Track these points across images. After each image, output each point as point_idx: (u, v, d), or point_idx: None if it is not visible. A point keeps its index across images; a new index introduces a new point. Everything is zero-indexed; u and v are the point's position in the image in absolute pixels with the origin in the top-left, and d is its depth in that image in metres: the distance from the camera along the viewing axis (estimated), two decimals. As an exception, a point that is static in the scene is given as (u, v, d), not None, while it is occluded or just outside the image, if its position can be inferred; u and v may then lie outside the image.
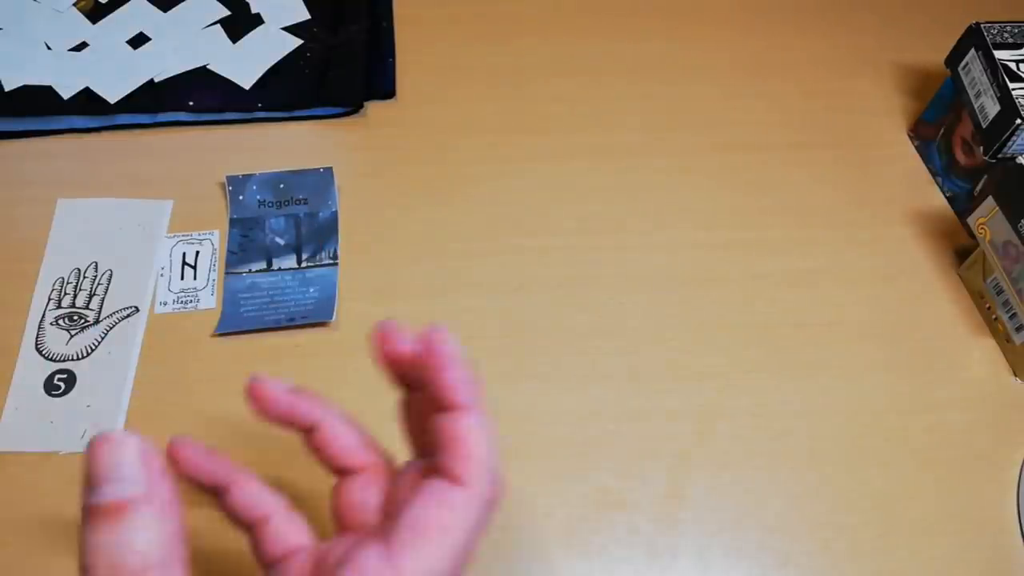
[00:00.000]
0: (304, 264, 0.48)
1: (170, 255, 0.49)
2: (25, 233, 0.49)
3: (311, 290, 0.48)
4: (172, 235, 0.50)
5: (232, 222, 0.50)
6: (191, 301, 0.47)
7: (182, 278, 0.48)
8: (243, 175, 0.50)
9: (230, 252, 0.49)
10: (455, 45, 0.60)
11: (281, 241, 0.49)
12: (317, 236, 0.50)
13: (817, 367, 0.47)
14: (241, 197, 0.50)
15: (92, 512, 0.23)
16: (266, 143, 0.54)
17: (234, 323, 0.46)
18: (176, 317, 0.47)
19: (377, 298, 0.48)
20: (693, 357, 0.47)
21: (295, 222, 0.50)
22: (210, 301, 0.47)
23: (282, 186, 0.50)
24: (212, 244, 0.49)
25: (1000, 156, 0.49)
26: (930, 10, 0.63)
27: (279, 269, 0.48)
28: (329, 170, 0.51)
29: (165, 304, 0.47)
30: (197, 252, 0.49)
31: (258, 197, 0.50)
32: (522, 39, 0.61)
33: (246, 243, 0.49)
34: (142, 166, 0.53)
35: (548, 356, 0.46)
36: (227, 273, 0.48)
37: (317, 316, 0.46)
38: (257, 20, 0.59)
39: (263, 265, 0.48)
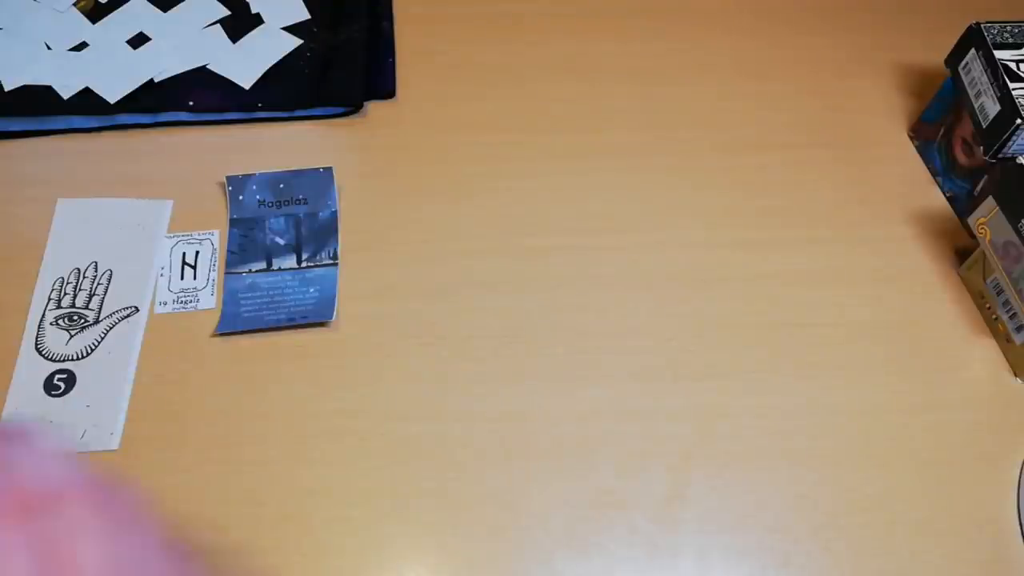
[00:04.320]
0: (304, 264, 0.48)
1: (170, 255, 0.49)
2: (25, 233, 0.49)
3: (311, 290, 0.48)
4: (172, 235, 0.50)
5: (232, 222, 0.50)
6: (191, 301, 0.47)
7: (182, 278, 0.48)
8: (243, 175, 0.50)
9: (230, 252, 0.49)
10: (455, 45, 0.60)
11: (281, 241, 0.49)
12: (317, 236, 0.50)
13: (817, 367, 0.47)
14: (241, 197, 0.50)
15: None
16: (266, 143, 0.54)
17: (234, 323, 0.46)
18: (176, 317, 0.47)
19: (377, 298, 0.48)
20: (693, 357, 0.47)
21: (295, 222, 0.50)
22: (210, 301, 0.47)
23: (282, 186, 0.50)
24: (212, 244, 0.49)
25: (1000, 156, 0.49)
26: (930, 10, 0.63)
27: (279, 269, 0.48)
28: (329, 170, 0.51)
29: (165, 304, 0.47)
30: (197, 252, 0.49)
31: (258, 197, 0.50)
32: (523, 39, 0.61)
33: (246, 243, 0.49)
34: (142, 166, 0.53)
35: (548, 356, 0.46)
36: (227, 273, 0.48)
37: (317, 316, 0.46)
38: (257, 20, 0.59)
39: (263, 265, 0.48)
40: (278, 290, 0.48)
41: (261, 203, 0.50)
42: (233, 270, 0.48)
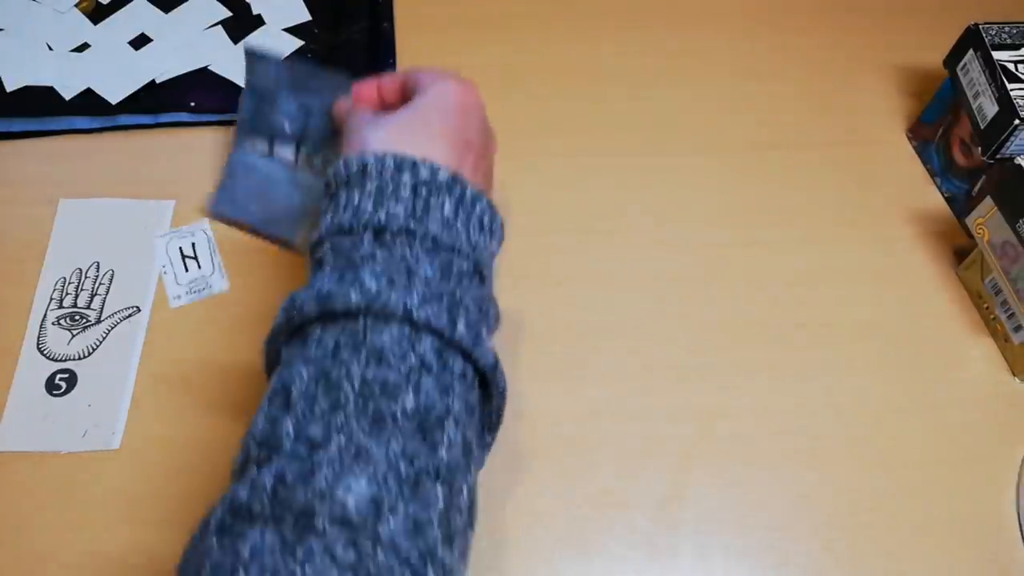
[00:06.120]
0: (299, 162, 0.48)
1: (167, 252, 0.49)
2: (27, 233, 0.49)
3: (295, 196, 0.48)
4: (163, 234, 0.49)
5: (248, 86, 0.48)
6: (204, 289, 0.47)
7: (186, 271, 0.48)
8: (261, 52, 0.48)
9: (241, 119, 0.49)
10: (455, 45, 0.60)
11: (287, 128, 0.48)
12: (319, 136, 0.48)
13: (817, 367, 0.47)
14: (257, 66, 0.48)
15: None
16: (267, 144, 0.54)
17: (229, 201, 0.48)
18: (177, 314, 0.47)
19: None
20: (693, 356, 0.47)
21: (306, 111, 0.48)
22: (221, 284, 0.47)
23: (297, 76, 0.48)
24: (205, 233, 0.49)
25: (998, 156, 0.49)
26: (929, 11, 0.64)
27: (277, 157, 0.49)
28: (349, 78, 0.47)
29: (179, 298, 0.47)
30: (193, 244, 0.49)
31: (273, 74, 0.48)
32: (523, 40, 0.61)
33: (258, 113, 0.48)
34: (143, 167, 0.53)
35: (547, 355, 0.46)
36: (235, 144, 0.49)
37: (282, 232, 0.47)
38: (258, 21, 0.59)
39: (266, 147, 0.48)
40: (269, 183, 0.48)
41: (277, 80, 0.48)
42: (241, 140, 0.49)
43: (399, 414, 0.29)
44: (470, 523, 0.31)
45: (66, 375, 0.44)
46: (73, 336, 0.45)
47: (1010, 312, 0.47)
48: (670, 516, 0.42)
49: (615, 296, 0.49)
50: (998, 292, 0.47)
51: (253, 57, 0.49)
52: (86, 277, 0.48)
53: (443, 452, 0.30)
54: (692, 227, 0.52)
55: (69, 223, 0.50)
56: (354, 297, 0.31)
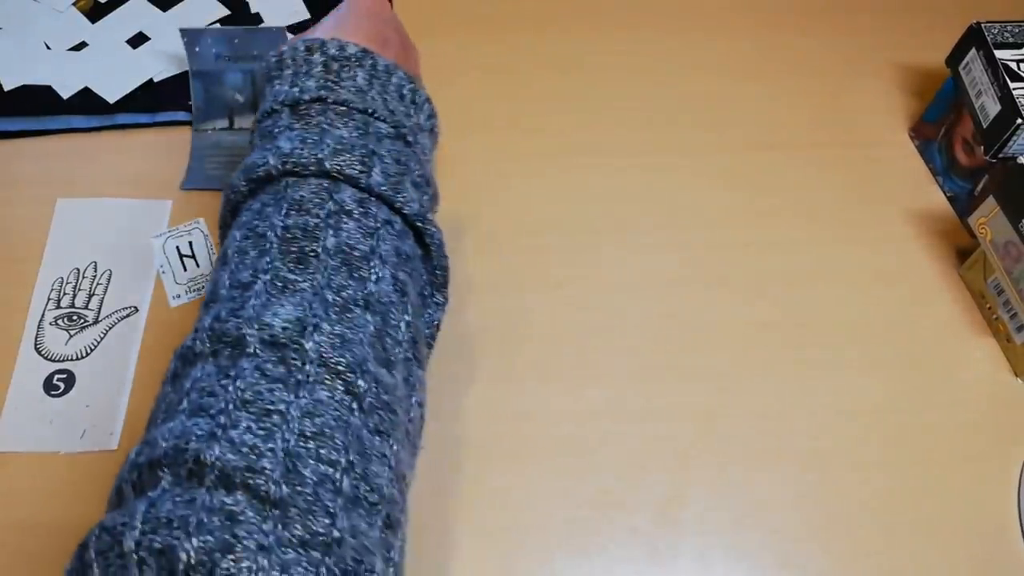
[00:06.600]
0: None
1: (164, 251, 0.49)
2: (24, 233, 0.49)
3: None
4: (160, 234, 0.49)
5: (193, 75, 0.51)
6: (203, 287, 0.47)
7: (184, 270, 0.48)
8: (196, 28, 0.51)
9: (196, 108, 0.50)
10: (454, 45, 0.60)
11: (240, 98, 0.50)
12: None
13: (817, 367, 0.47)
14: (197, 48, 0.51)
15: None
16: (266, 143, 0.54)
17: (199, 179, 0.48)
18: (189, 307, 0.47)
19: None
20: (693, 357, 0.47)
21: (251, 78, 0.50)
22: None
23: (236, 41, 0.51)
24: (201, 231, 0.49)
25: (1001, 156, 0.49)
26: (931, 10, 0.63)
27: (240, 128, 0.50)
28: (281, 29, 0.51)
29: (179, 297, 0.47)
30: (190, 243, 0.49)
31: (214, 50, 0.51)
32: (522, 38, 0.60)
33: (208, 97, 0.50)
34: (141, 166, 0.52)
35: (548, 356, 0.46)
36: (194, 130, 0.50)
37: None
38: (257, 19, 0.59)
39: (225, 123, 0.50)
40: (239, 149, 0.49)
41: (219, 57, 0.51)
42: (199, 127, 0.50)
43: (321, 251, 0.31)
44: (414, 359, 0.33)
45: (64, 375, 0.44)
46: (71, 336, 0.45)
47: (1012, 312, 0.47)
48: (670, 516, 0.42)
49: (615, 296, 0.49)
50: (1000, 292, 0.47)
51: (191, 36, 0.50)
52: (84, 277, 0.47)
53: (371, 286, 0.32)
54: (692, 227, 0.52)
55: (67, 223, 0.50)
56: (271, 160, 0.33)
